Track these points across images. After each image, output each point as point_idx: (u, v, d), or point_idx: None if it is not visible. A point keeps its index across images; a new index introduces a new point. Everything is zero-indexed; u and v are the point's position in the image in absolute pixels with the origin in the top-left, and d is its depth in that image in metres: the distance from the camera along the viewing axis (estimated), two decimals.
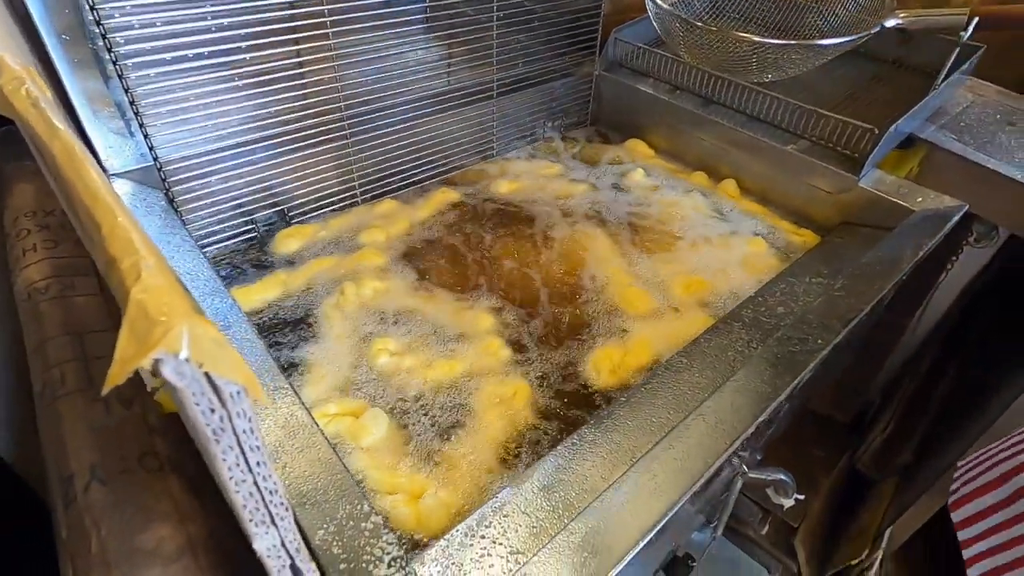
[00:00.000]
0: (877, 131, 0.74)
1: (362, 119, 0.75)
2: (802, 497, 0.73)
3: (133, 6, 0.55)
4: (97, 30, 0.54)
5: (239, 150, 0.68)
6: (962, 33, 0.73)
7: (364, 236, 0.76)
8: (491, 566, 0.38)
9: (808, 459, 1.17)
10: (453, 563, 0.38)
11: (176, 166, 0.64)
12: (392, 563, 0.37)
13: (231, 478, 0.20)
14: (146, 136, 0.61)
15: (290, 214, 0.76)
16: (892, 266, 0.65)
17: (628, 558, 0.39)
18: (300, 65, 0.67)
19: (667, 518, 0.41)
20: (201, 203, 0.68)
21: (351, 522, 0.38)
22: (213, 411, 0.18)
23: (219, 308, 0.53)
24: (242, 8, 0.60)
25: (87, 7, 0.52)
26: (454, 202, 0.85)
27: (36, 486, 0.59)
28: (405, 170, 0.84)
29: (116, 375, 0.15)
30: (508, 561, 0.38)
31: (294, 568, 0.24)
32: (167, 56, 0.58)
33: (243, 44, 0.62)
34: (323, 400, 0.56)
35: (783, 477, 0.68)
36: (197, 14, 0.58)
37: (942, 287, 0.93)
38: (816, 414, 1.22)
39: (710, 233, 0.81)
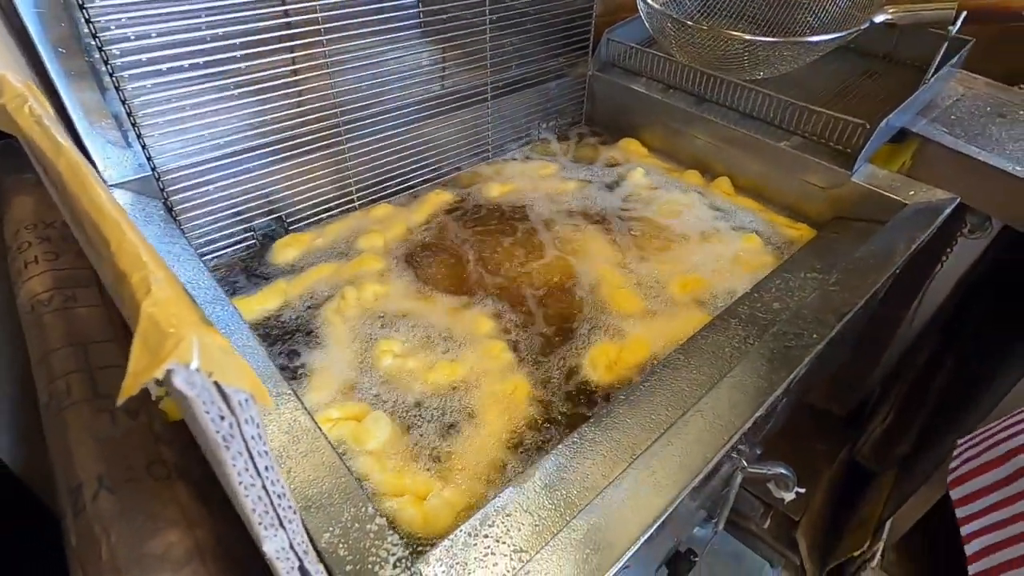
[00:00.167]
0: (869, 126, 0.74)
1: (358, 124, 0.76)
2: (803, 491, 0.74)
3: (128, 18, 0.55)
4: (93, 42, 0.54)
5: (236, 158, 0.69)
6: (950, 27, 0.74)
7: (362, 241, 0.76)
8: (495, 564, 0.39)
9: (808, 453, 1.18)
10: (458, 562, 0.39)
11: (174, 175, 0.65)
12: (397, 564, 0.37)
13: (240, 483, 0.20)
14: (144, 146, 0.61)
15: (288, 221, 0.77)
16: (885, 260, 0.66)
17: (630, 553, 0.40)
18: (295, 72, 0.67)
19: (667, 513, 0.42)
20: (200, 212, 0.68)
21: (356, 524, 0.39)
22: (223, 418, 0.18)
23: (220, 316, 0.54)
24: (237, 18, 0.61)
25: (83, 20, 0.53)
26: (449, 204, 0.85)
27: (42, 495, 0.59)
28: (401, 174, 0.85)
29: (130, 387, 0.15)
30: (512, 559, 0.39)
31: (303, 570, 0.25)
32: (163, 67, 0.58)
33: (239, 53, 0.62)
34: (326, 405, 0.57)
35: (783, 471, 0.69)
36: (192, 24, 0.59)
37: (937, 279, 0.93)
38: (815, 408, 1.23)
39: (705, 230, 0.82)
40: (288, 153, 0.72)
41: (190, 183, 0.66)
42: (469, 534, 0.41)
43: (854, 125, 0.76)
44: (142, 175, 0.64)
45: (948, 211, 0.74)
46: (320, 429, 0.45)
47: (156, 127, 0.61)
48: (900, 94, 0.79)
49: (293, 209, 0.77)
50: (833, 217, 0.81)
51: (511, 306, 0.70)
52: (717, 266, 0.76)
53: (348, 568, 0.37)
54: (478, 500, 0.50)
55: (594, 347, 0.64)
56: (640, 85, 0.97)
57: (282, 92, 0.67)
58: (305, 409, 0.46)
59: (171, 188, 0.65)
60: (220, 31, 0.60)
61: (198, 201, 0.67)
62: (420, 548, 0.46)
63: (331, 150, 0.76)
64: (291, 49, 0.66)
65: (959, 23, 0.74)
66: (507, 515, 0.42)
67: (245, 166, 0.70)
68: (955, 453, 0.75)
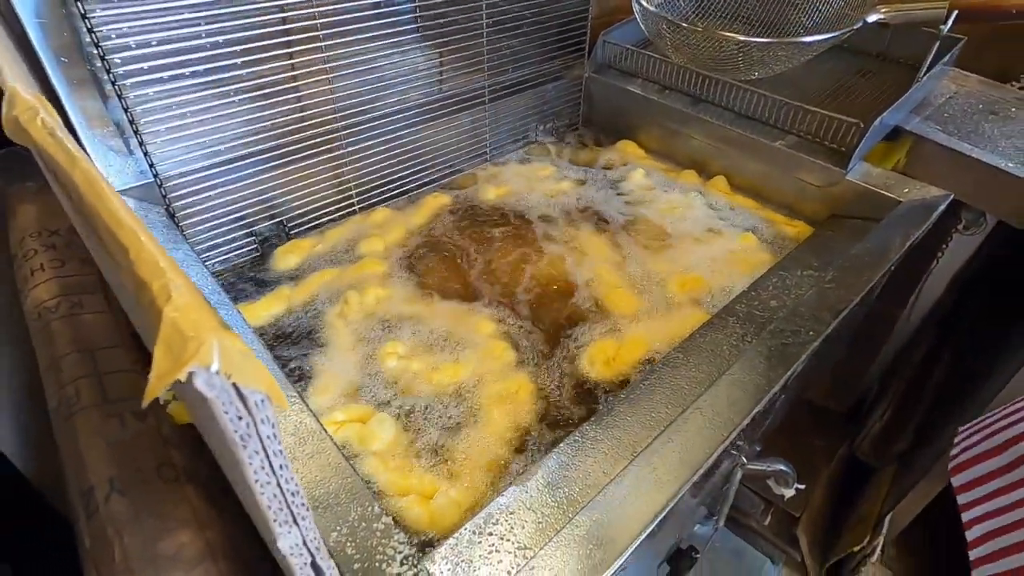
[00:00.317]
0: (863, 125, 0.75)
1: (357, 129, 0.77)
2: (802, 487, 0.75)
3: (129, 26, 0.56)
4: (95, 51, 0.55)
5: (237, 163, 0.69)
6: (942, 26, 0.75)
7: (363, 246, 0.77)
8: (499, 562, 0.40)
9: (807, 449, 1.19)
10: (463, 560, 0.40)
11: (176, 182, 0.65)
12: (404, 561, 0.38)
13: (256, 480, 0.21)
14: (146, 153, 0.62)
15: (289, 225, 0.77)
16: (880, 257, 0.67)
17: (631, 549, 0.40)
18: (295, 78, 0.68)
19: (668, 508, 0.43)
20: (202, 218, 0.69)
21: (363, 524, 0.40)
22: (240, 419, 0.19)
23: (225, 321, 0.55)
24: (236, 24, 0.62)
25: (85, 29, 0.53)
26: (448, 207, 0.86)
27: (52, 499, 0.60)
28: (400, 178, 0.86)
29: (154, 389, 0.16)
30: (516, 556, 0.40)
31: (315, 566, 0.26)
32: (164, 74, 0.59)
33: (239, 60, 0.63)
34: (330, 408, 0.57)
35: (783, 467, 0.70)
36: (192, 31, 0.59)
37: (933, 275, 0.94)
38: (814, 404, 1.23)
39: (703, 229, 0.82)
40: (289, 158, 0.73)
41: (192, 189, 0.67)
42: (474, 532, 0.41)
43: (848, 124, 0.77)
44: (144, 182, 0.64)
45: (942, 208, 0.75)
46: (326, 431, 0.45)
47: (157, 134, 0.62)
48: (893, 93, 0.80)
49: (294, 213, 0.77)
50: (829, 215, 0.82)
51: (512, 307, 0.70)
52: (715, 265, 0.76)
53: (356, 566, 0.37)
54: (483, 498, 0.51)
55: (593, 345, 0.65)
56: (636, 86, 0.98)
57: (282, 97, 0.68)
58: (311, 412, 0.47)
59: (173, 194, 0.66)
60: (220, 38, 0.61)
61: (200, 207, 0.68)
62: (426, 546, 0.47)
63: (331, 154, 0.76)
64: (290, 55, 0.67)
65: (950, 22, 0.74)
66: (511, 513, 0.42)
67: (247, 171, 0.70)
68: (956, 440, 0.75)
